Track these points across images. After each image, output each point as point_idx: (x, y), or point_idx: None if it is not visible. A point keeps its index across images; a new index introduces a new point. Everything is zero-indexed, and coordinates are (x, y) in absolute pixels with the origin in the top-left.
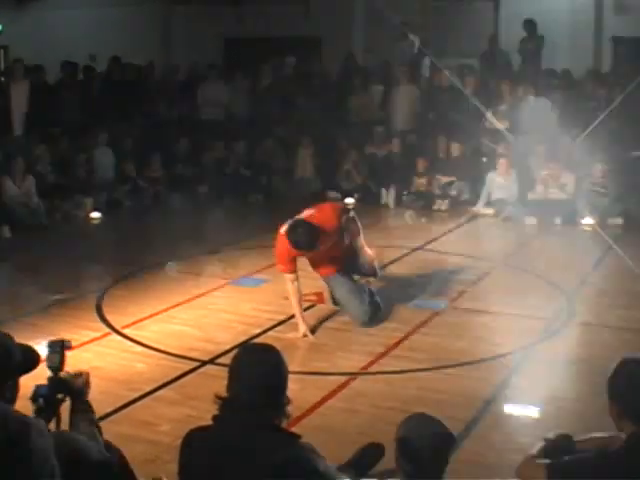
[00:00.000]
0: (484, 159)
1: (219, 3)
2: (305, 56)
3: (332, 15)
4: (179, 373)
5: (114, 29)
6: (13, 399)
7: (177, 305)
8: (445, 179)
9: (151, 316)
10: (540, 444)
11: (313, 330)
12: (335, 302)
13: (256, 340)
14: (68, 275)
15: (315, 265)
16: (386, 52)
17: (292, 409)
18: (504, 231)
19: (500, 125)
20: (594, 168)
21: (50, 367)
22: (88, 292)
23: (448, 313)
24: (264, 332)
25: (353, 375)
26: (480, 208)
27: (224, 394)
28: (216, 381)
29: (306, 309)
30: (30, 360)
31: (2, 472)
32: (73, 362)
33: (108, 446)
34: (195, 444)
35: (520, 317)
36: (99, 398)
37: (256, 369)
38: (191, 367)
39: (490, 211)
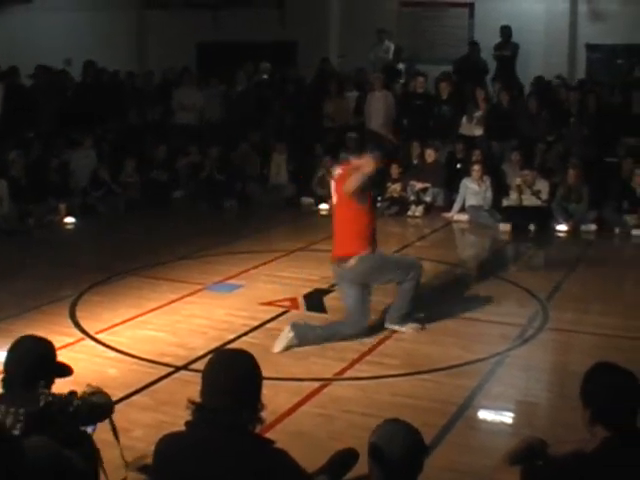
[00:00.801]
0: (458, 165)
1: (194, 8)
2: (280, 61)
3: (308, 20)
4: (152, 379)
5: (89, 33)
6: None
7: (151, 311)
8: (419, 185)
9: (125, 322)
10: (514, 449)
11: None
12: (309, 308)
13: (230, 346)
14: (42, 280)
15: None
16: (361, 58)
17: (266, 414)
18: (478, 237)
19: (475, 131)
20: (568, 174)
21: None
22: (62, 297)
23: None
24: (238, 338)
25: (327, 381)
26: (454, 214)
27: (197, 399)
28: (189, 386)
29: (279, 315)
30: (65, 370)
31: None
32: None
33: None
34: (169, 450)
35: (494, 323)
36: None
37: (229, 374)
38: (164, 373)
39: (464, 217)
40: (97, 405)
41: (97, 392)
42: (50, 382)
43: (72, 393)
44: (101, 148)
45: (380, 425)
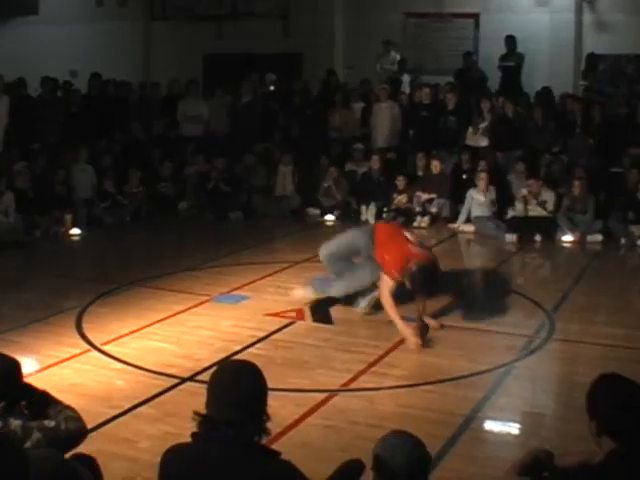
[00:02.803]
0: (464, 176)
1: (199, 19)
2: (285, 73)
3: (313, 32)
4: (159, 390)
5: (95, 45)
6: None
7: (157, 322)
8: (425, 196)
9: (131, 333)
10: (520, 461)
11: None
12: (315, 319)
13: (236, 357)
14: (48, 292)
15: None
16: (367, 69)
17: (272, 426)
18: (484, 248)
19: (480, 142)
20: (573, 184)
21: None
22: (68, 309)
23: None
24: (244, 349)
25: (333, 392)
26: (460, 225)
27: (203, 411)
28: (195, 398)
29: (285, 326)
30: (31, 391)
31: None
32: (54, 379)
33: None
34: (174, 461)
35: (500, 334)
36: None
37: (235, 386)
38: (171, 384)
39: (470, 228)
40: (62, 438)
41: (71, 416)
42: (11, 405)
43: (32, 403)
44: (104, 160)
45: (384, 437)
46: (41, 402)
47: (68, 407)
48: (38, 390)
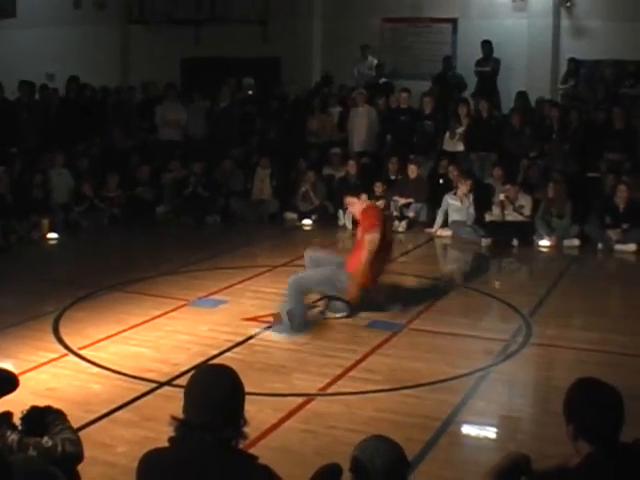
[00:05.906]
0: (441, 181)
1: (177, 23)
2: (263, 77)
3: (291, 36)
4: (136, 394)
5: (72, 49)
6: None
7: (134, 326)
8: (402, 201)
9: (108, 337)
10: (498, 465)
11: None
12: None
13: (213, 361)
14: (25, 296)
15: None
16: (345, 74)
17: (249, 430)
18: (461, 253)
19: (457, 147)
20: (549, 189)
21: None
22: (46, 313)
23: (405, 334)
24: (221, 353)
25: (311, 396)
26: (437, 230)
27: (181, 415)
28: (173, 402)
29: (263, 330)
30: (9, 382)
31: None
32: (31, 383)
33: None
34: (152, 466)
35: (477, 338)
36: None
37: (212, 390)
38: (148, 388)
39: (447, 233)
40: (57, 459)
41: (70, 438)
42: (11, 417)
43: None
44: (81, 164)
45: (362, 441)
46: (41, 417)
47: (70, 428)
48: (40, 407)
